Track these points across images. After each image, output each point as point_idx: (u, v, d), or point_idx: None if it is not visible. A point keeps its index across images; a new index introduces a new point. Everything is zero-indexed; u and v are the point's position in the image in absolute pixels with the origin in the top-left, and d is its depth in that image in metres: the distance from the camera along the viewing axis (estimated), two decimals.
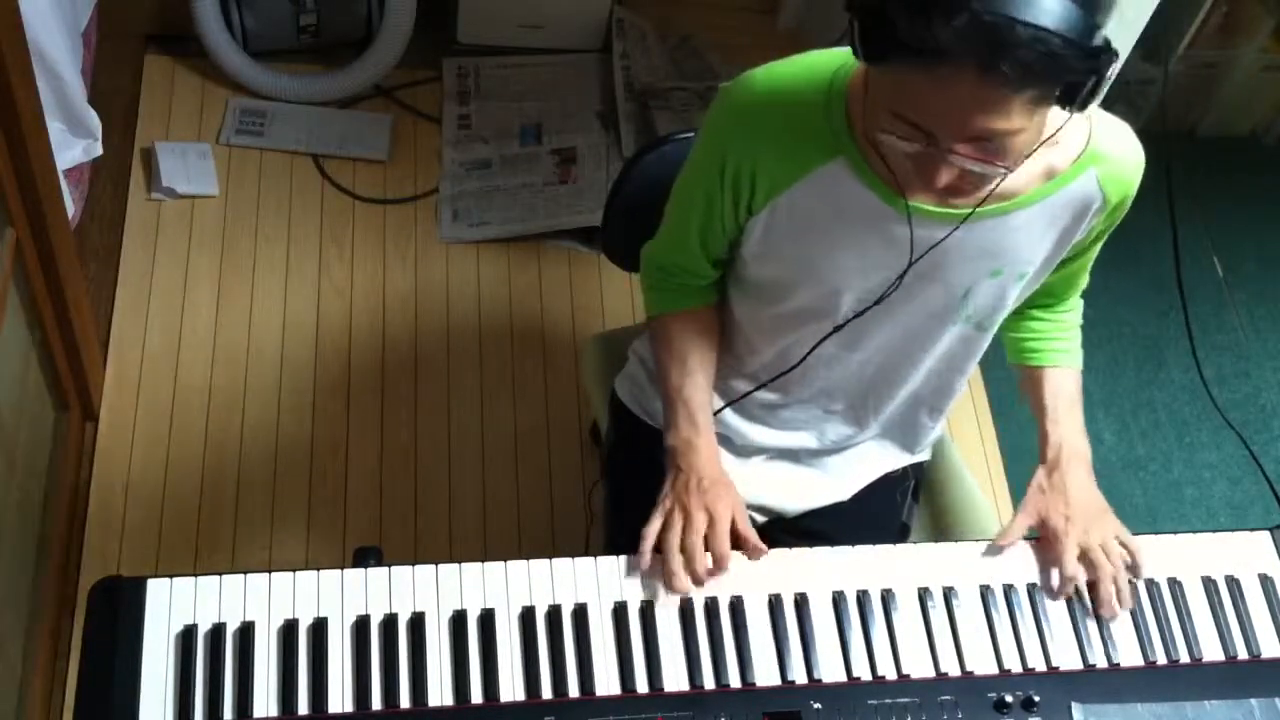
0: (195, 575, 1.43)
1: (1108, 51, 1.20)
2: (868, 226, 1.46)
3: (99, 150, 2.59)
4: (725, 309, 1.68)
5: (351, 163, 2.90)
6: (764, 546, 1.52)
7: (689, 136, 1.80)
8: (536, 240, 2.85)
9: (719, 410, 1.72)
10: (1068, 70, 1.19)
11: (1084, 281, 1.70)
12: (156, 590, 1.42)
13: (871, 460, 1.80)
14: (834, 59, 1.44)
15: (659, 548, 1.51)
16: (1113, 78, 1.22)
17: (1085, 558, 1.55)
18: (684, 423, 1.61)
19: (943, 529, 1.91)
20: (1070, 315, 1.73)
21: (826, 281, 1.52)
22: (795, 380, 1.68)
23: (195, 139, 2.85)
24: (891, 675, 1.46)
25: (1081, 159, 1.44)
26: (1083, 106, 1.24)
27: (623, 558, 1.51)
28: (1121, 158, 1.48)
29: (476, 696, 1.40)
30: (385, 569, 1.46)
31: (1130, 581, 1.55)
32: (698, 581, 1.49)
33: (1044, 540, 1.58)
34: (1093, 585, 1.54)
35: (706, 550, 1.51)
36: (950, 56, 1.16)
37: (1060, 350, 1.70)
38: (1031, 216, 1.47)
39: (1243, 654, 1.54)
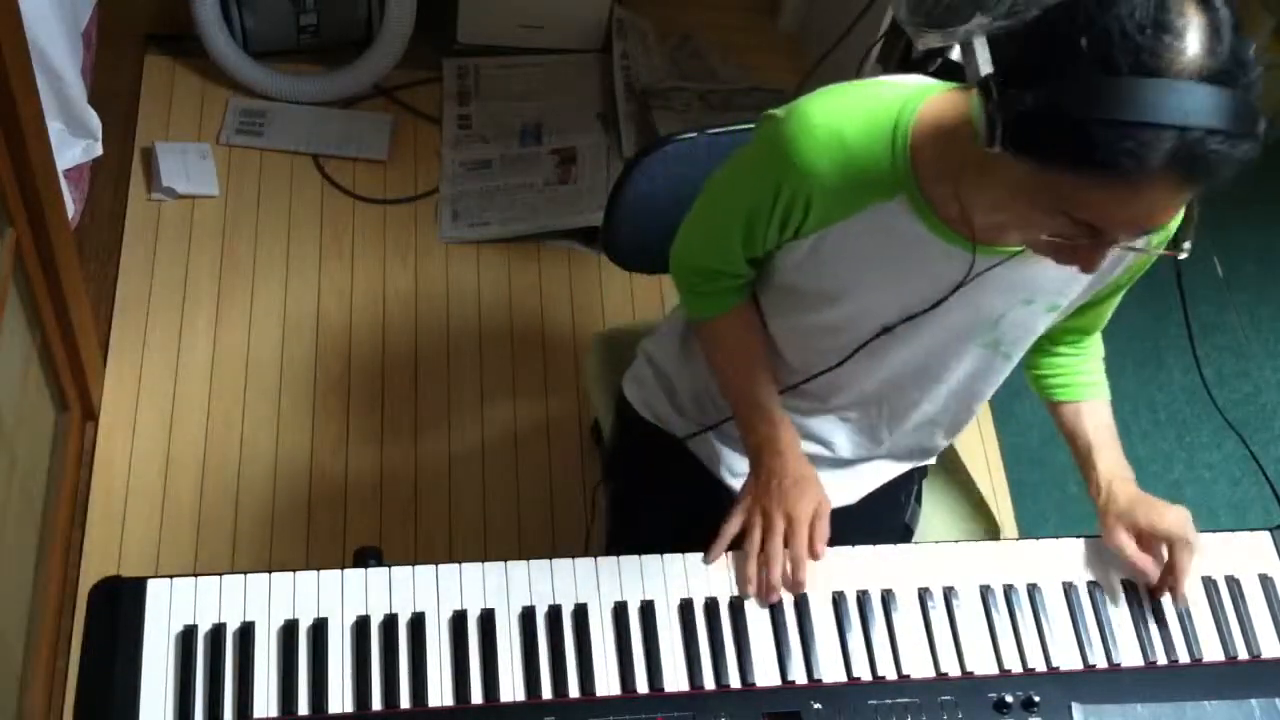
0: (195, 575, 1.43)
1: (1260, 138, 1.17)
2: (915, 259, 1.44)
3: (99, 150, 2.59)
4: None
5: (351, 163, 2.90)
6: (822, 554, 1.51)
7: (690, 137, 1.80)
8: (536, 240, 2.85)
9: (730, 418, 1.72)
10: (1240, 168, 1.16)
11: (1105, 319, 1.70)
12: (156, 590, 1.42)
13: (881, 469, 1.80)
14: (898, 94, 1.40)
15: (735, 546, 1.52)
16: None
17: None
18: (761, 422, 1.60)
19: (944, 530, 1.91)
20: (1094, 348, 1.73)
21: (863, 301, 1.51)
22: (815, 390, 1.67)
23: (195, 139, 2.85)
24: (891, 675, 1.46)
25: None
26: None
27: (623, 558, 1.51)
28: None
29: (476, 697, 1.40)
30: (385, 569, 1.46)
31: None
32: (772, 589, 1.48)
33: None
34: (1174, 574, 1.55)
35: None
36: (1151, 174, 1.13)
37: (1091, 384, 1.70)
38: None
39: (1243, 654, 1.54)
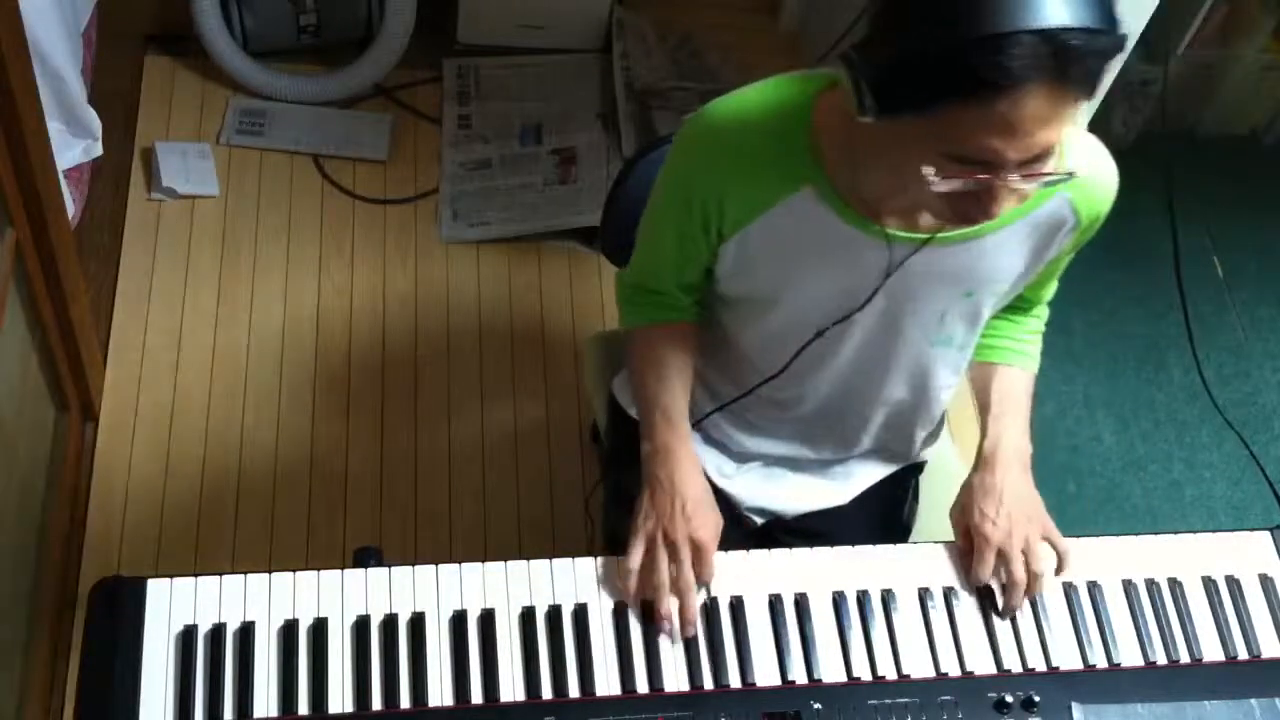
0: (195, 575, 1.43)
1: (1125, 34, 1.20)
2: (838, 251, 1.45)
3: (99, 150, 2.59)
4: (715, 322, 1.66)
5: (351, 163, 2.90)
6: (709, 578, 1.50)
7: None
8: (536, 240, 2.85)
9: (712, 412, 1.71)
10: (1108, 62, 1.19)
11: (1051, 291, 1.69)
12: (157, 590, 1.42)
13: (870, 469, 1.80)
14: (797, 87, 1.43)
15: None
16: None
17: (1004, 563, 1.52)
18: (661, 428, 1.57)
19: (943, 529, 1.90)
20: (1033, 321, 1.71)
21: (799, 300, 1.51)
22: (785, 396, 1.66)
23: (195, 139, 2.85)
24: (891, 675, 1.46)
25: None
26: (1096, 94, 1.23)
27: (623, 558, 1.51)
28: (1094, 179, 1.46)
29: (476, 697, 1.40)
30: (385, 569, 1.46)
31: (1066, 583, 1.54)
32: (690, 623, 1.46)
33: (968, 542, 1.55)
34: (1004, 589, 1.53)
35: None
36: (1020, 80, 1.15)
37: (1015, 350, 1.68)
38: (1003, 238, 1.46)
39: (1243, 654, 1.54)
